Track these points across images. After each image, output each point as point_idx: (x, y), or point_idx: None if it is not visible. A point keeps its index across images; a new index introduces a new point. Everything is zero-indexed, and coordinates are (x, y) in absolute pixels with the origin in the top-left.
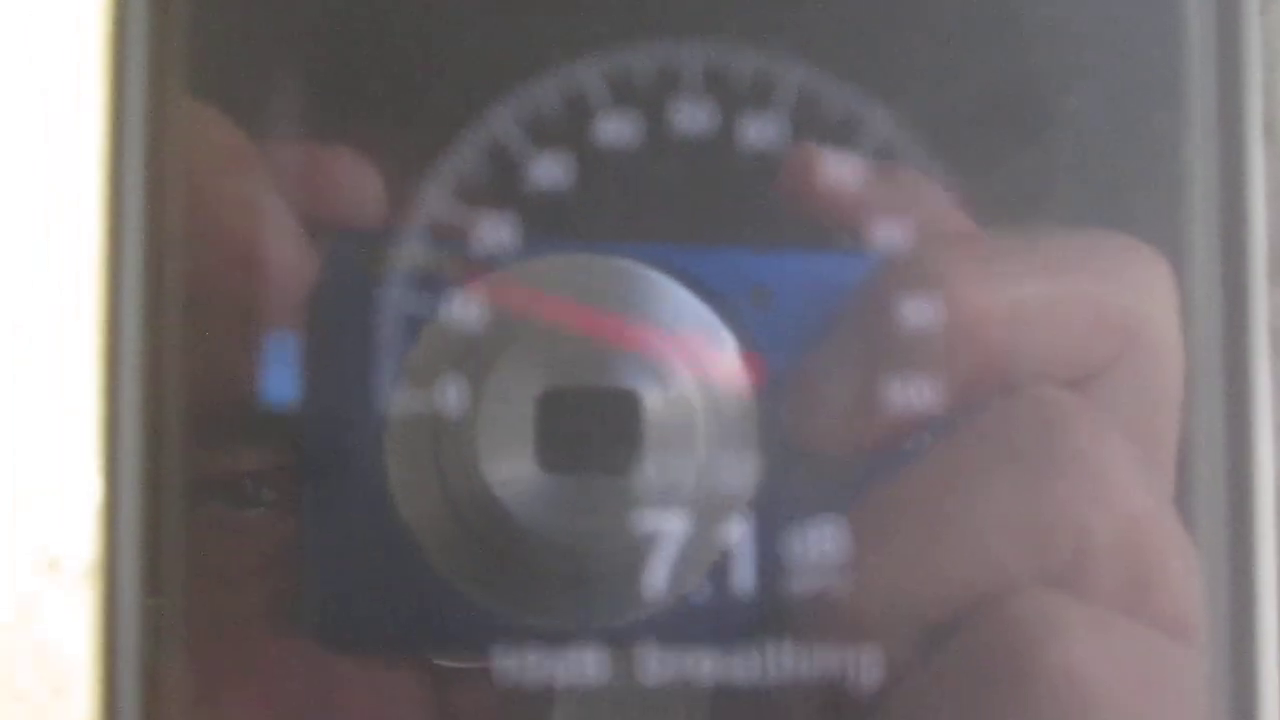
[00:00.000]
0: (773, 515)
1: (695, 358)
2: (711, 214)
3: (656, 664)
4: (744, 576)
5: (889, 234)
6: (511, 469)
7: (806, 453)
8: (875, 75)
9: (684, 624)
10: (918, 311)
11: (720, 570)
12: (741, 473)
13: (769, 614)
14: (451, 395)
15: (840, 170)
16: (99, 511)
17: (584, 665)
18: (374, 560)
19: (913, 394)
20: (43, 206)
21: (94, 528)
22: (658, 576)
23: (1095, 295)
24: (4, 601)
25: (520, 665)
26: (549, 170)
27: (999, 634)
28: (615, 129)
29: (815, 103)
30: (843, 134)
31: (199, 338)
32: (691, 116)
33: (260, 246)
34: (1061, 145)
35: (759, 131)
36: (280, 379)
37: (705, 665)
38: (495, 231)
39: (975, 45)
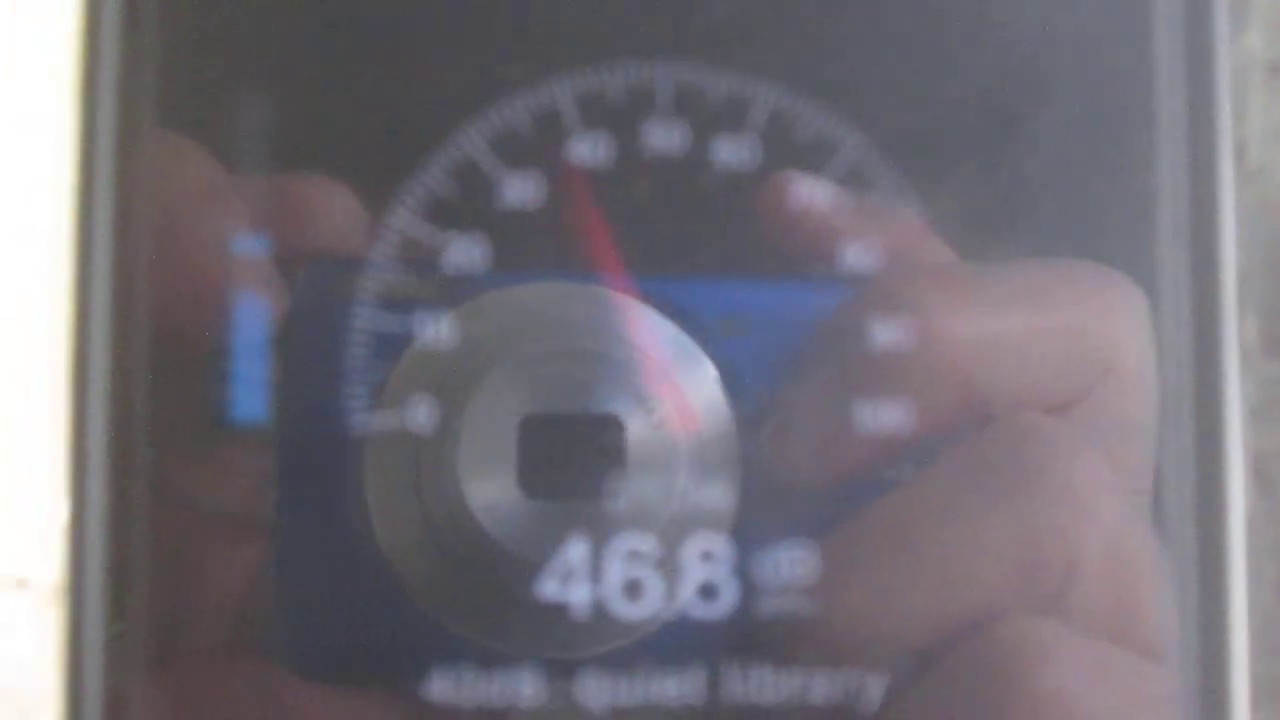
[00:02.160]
0: (752, 543)
1: (676, 385)
2: (685, 241)
3: (641, 691)
4: (728, 603)
5: (865, 263)
6: (493, 493)
7: (786, 481)
8: (849, 99)
9: (668, 650)
10: (894, 340)
11: (704, 597)
12: (722, 500)
13: (752, 641)
14: (432, 420)
15: (817, 197)
16: (65, 533)
17: (564, 692)
18: (350, 587)
19: (890, 422)
20: (11, 232)
21: (60, 549)
22: (640, 602)
23: (1071, 324)
24: None
25: (492, 691)
26: (521, 191)
27: (987, 659)
28: (588, 150)
29: (788, 126)
30: (815, 158)
31: (169, 363)
32: (664, 138)
33: (231, 273)
34: (1033, 172)
35: (731, 154)
36: (253, 405)
37: (688, 692)
38: (469, 253)
39: (947, 71)
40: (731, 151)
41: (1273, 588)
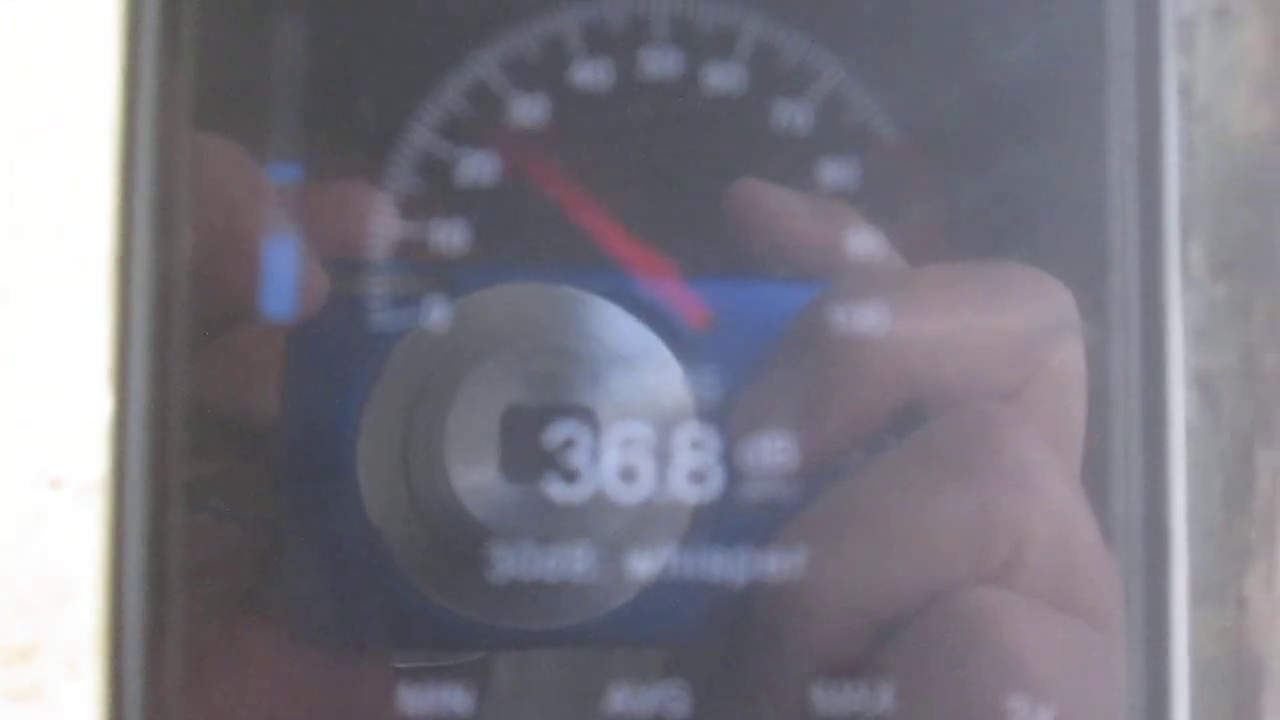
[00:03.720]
0: (720, 529)
1: (645, 380)
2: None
3: (611, 665)
4: (695, 590)
5: (826, 266)
6: (477, 479)
7: (750, 471)
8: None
9: (640, 626)
10: (852, 337)
11: (672, 578)
12: (687, 488)
13: (723, 616)
14: (422, 409)
15: (781, 202)
16: (108, 426)
17: (535, 662)
18: (345, 563)
19: (847, 414)
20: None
21: (102, 443)
22: (609, 580)
23: (1008, 325)
24: (5, 520)
25: (478, 665)
26: (531, 110)
27: (948, 627)
28: (588, 78)
29: (773, 56)
30: (798, 84)
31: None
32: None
33: (253, 262)
34: (985, 104)
35: (721, 80)
36: (264, 389)
37: (658, 666)
38: (458, 236)
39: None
40: (721, 77)
41: (1218, 497)
